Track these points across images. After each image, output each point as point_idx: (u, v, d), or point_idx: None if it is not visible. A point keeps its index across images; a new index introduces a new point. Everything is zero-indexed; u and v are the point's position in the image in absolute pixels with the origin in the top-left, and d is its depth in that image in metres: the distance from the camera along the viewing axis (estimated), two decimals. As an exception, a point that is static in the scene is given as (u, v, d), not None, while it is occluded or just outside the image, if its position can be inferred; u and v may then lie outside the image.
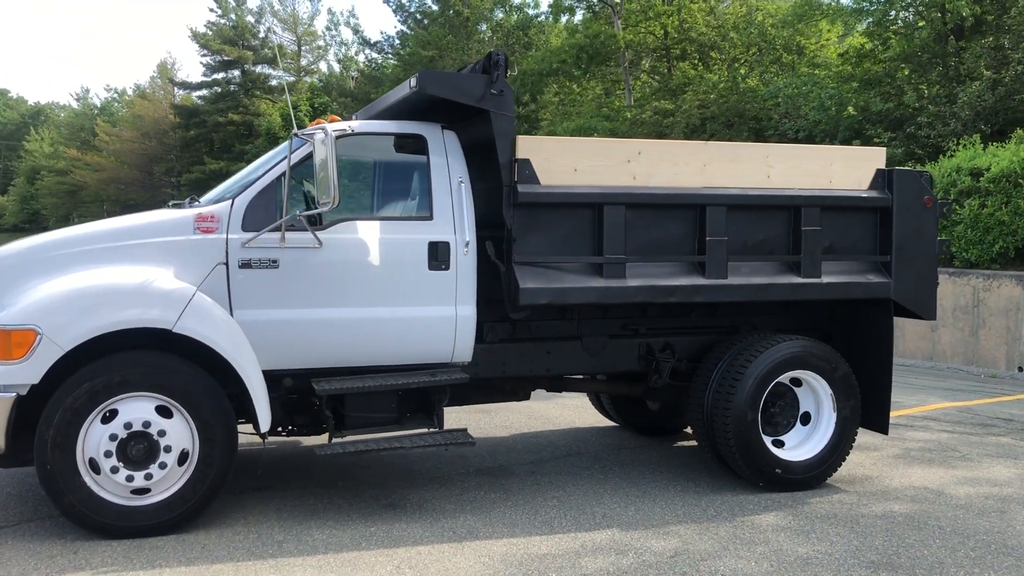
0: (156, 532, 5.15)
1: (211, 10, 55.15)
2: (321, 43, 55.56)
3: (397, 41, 35.66)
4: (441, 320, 5.74)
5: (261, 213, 5.44)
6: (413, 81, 5.70)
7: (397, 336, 5.68)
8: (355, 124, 5.86)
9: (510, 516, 5.69)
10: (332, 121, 5.90)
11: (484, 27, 31.22)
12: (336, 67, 53.51)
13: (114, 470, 5.03)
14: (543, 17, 29.54)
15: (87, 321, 4.97)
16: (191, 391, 5.17)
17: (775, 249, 6.42)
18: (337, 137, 5.70)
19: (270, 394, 5.59)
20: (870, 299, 6.65)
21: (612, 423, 8.45)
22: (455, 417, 8.43)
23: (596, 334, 6.54)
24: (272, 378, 5.54)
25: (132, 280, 5.13)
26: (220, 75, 54.68)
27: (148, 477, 5.09)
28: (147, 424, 5.08)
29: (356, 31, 53.97)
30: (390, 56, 36.83)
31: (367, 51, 39.10)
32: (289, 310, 5.46)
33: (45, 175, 70.32)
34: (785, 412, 6.54)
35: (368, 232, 5.63)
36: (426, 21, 36.30)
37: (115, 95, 77.57)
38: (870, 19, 18.88)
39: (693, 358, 6.72)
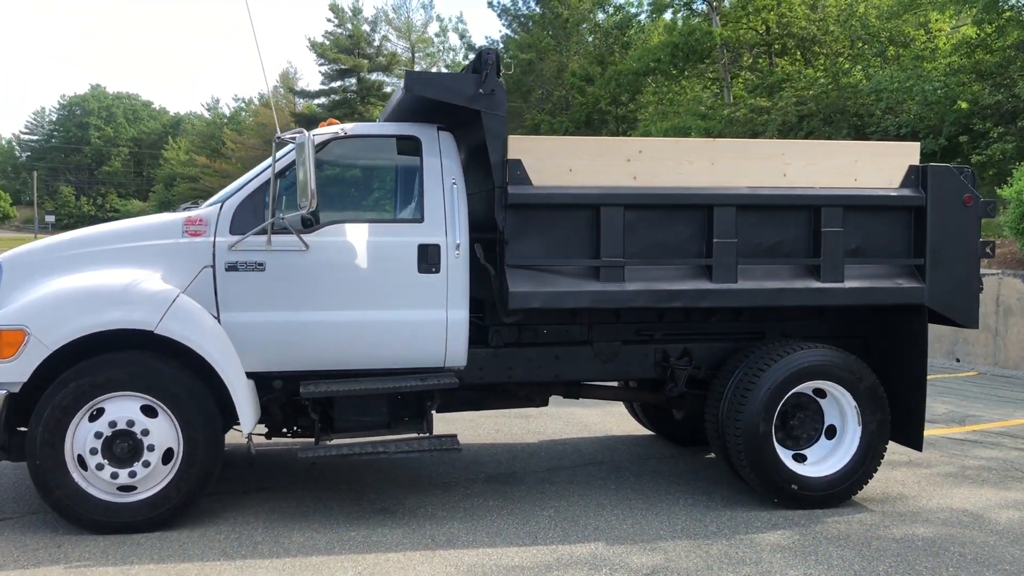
0: (142, 529, 5.25)
1: (329, 20, 56.86)
2: (433, 50, 56.37)
3: (500, 45, 35.89)
4: (431, 324, 5.65)
5: (249, 217, 5.49)
6: (403, 83, 5.65)
7: (386, 340, 5.63)
8: (348, 127, 5.85)
9: (498, 525, 5.56)
10: (331, 125, 5.93)
11: (584, 27, 31.01)
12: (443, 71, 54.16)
13: (100, 467, 5.17)
14: (643, 16, 29.16)
15: (72, 322, 5.13)
16: (175, 392, 5.26)
17: (793, 252, 6.05)
18: (329, 140, 5.74)
19: (264, 396, 5.66)
20: (902, 305, 6.20)
21: (649, 432, 8.19)
22: (490, 422, 8.37)
23: (608, 339, 6.33)
24: (262, 380, 5.60)
25: (118, 282, 5.26)
26: (337, 83, 56.30)
27: (132, 475, 5.20)
28: (131, 423, 5.19)
29: (462, 36, 54.31)
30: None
31: (472, 56, 39.37)
32: (276, 312, 5.49)
33: (180, 181, 74.12)
34: (806, 424, 6.16)
35: (356, 235, 5.60)
36: (530, 24, 36.36)
37: (243, 104, 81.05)
38: (977, 5, 17.71)
39: (713, 366, 6.41)
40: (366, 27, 56.56)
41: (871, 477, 6.17)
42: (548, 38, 31.16)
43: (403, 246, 5.63)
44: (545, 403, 6.84)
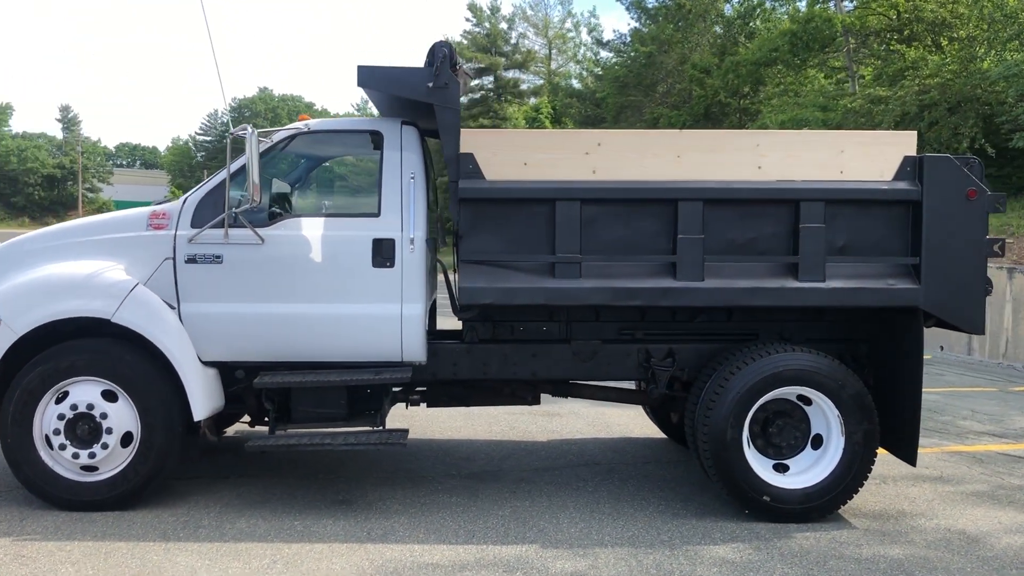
0: (102, 507, 5.52)
1: (467, 20, 57.72)
2: (571, 45, 56.28)
3: (628, 39, 35.43)
4: (385, 318, 5.66)
5: (209, 211, 5.66)
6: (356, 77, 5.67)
7: (341, 333, 5.68)
8: (313, 122, 5.92)
9: (444, 522, 5.51)
10: (302, 120, 6.03)
11: (709, 17, 30.11)
12: (576, 68, 54.08)
13: (62, 447, 5.47)
14: (769, 4, 28.03)
15: (38, 309, 5.45)
16: (133, 378, 5.50)
17: (771, 249, 5.70)
18: (294, 135, 5.85)
19: (231, 386, 5.82)
20: (894, 307, 5.73)
21: (663, 435, 7.92)
22: (509, 418, 8.32)
23: (587, 338, 6.16)
24: (226, 370, 5.77)
25: (82, 273, 5.54)
26: (475, 82, 57.07)
27: (92, 456, 5.47)
28: (91, 407, 5.47)
29: (592, 30, 53.91)
30: (621, 54, 36.63)
31: (601, 51, 39.10)
32: (233, 304, 5.64)
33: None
34: (786, 433, 5.79)
35: (312, 229, 5.67)
36: (659, 17, 35.70)
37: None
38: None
39: (699, 367, 6.13)
40: (503, 24, 57.10)
41: (856, 492, 5.74)
42: (671, 29, 30.47)
43: (358, 240, 5.66)
44: (536, 401, 6.71)
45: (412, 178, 5.73)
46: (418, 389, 6.50)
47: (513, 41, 57.34)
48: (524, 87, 55.59)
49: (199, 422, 5.56)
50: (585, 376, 6.30)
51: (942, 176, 5.59)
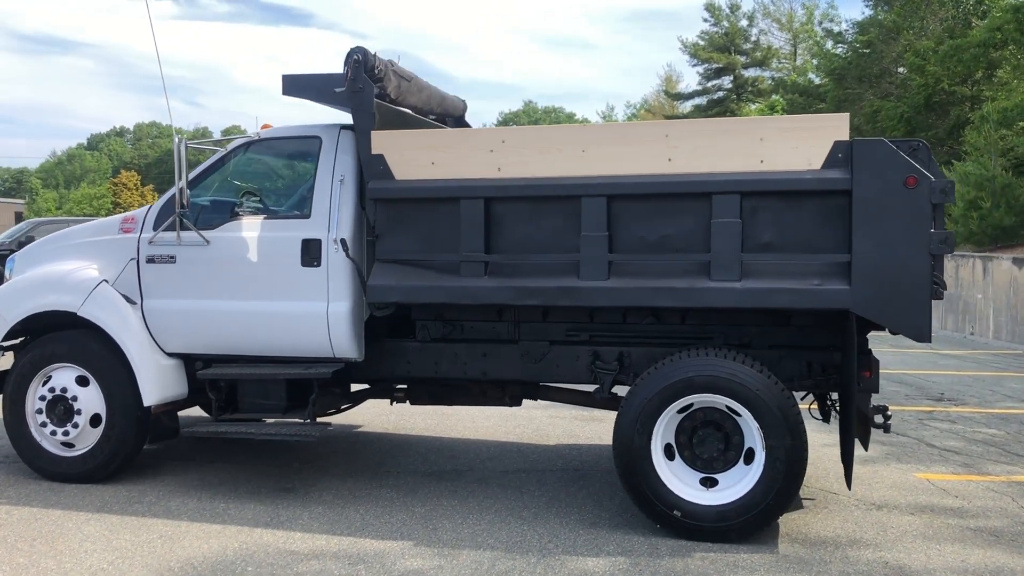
0: (77, 480, 6.23)
1: (704, 19, 56.57)
2: (812, 40, 53.39)
3: (855, 30, 32.99)
4: (313, 315, 5.91)
5: (168, 215, 6.19)
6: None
7: (276, 329, 6.00)
8: (263, 131, 6.30)
9: (350, 514, 5.67)
10: (265, 129, 6.45)
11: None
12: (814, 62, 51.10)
13: (43, 425, 6.24)
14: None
15: (24, 303, 6.27)
16: (100, 366, 6.16)
17: (687, 247, 5.32)
18: (250, 142, 6.29)
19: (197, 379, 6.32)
20: (823, 310, 5.15)
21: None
22: (525, 419, 8.29)
23: (536, 339, 6.08)
24: (188, 362, 6.29)
25: (60, 271, 6.29)
26: (712, 82, 55.82)
27: (66, 434, 6.19)
28: (64, 390, 6.19)
29: (827, 20, 50.56)
30: (843, 44, 34.19)
31: (831, 43, 36.70)
32: (185, 300, 6.14)
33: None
34: (708, 444, 5.38)
35: (251, 230, 6.05)
36: (896, 2, 32.97)
37: (633, 111, 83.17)
38: None
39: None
40: (744, 22, 55.33)
41: (780, 512, 5.22)
42: (895, 13, 28.00)
43: (288, 241, 5.96)
44: (516, 403, 6.70)
45: (341, 181, 5.94)
46: (398, 387, 6.74)
47: (753, 38, 55.46)
48: (768, 84, 53.41)
49: (149, 407, 6.10)
50: (536, 377, 6.19)
51: (875, 162, 4.96)
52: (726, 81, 55.40)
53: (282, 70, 7.12)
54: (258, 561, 4.85)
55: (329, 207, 5.92)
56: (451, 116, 7.52)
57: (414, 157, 5.66)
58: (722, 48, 54.33)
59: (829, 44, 37.11)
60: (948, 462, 7.25)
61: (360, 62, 5.69)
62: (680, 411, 5.41)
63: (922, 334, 4.97)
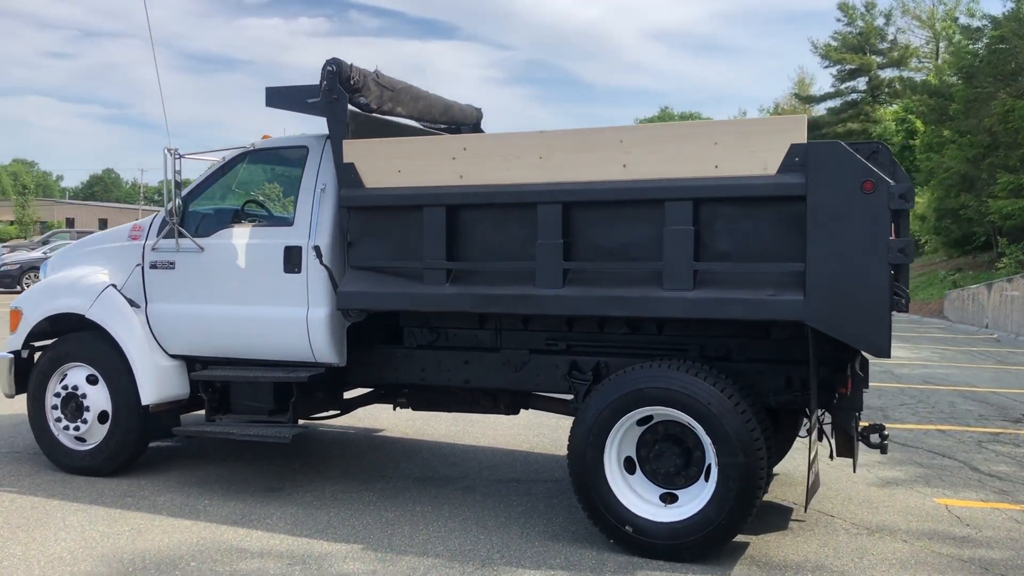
0: (87, 473, 6.61)
1: (837, 20, 54.50)
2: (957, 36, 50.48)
3: (988, 26, 30.87)
4: (294, 321, 6.07)
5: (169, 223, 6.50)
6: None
7: (262, 333, 6.20)
8: (260, 141, 6.52)
9: (319, 516, 5.77)
10: (265, 139, 6.68)
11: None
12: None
13: (58, 420, 6.65)
14: None
15: (43, 305, 6.72)
16: (108, 365, 6.51)
17: (645, 255, 5.18)
18: (247, 152, 6.53)
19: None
20: (777, 322, 4.90)
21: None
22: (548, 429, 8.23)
23: (517, 347, 6.06)
24: (190, 363, 6.58)
25: (74, 276, 6.70)
26: (845, 84, 53.65)
27: (77, 429, 6.58)
28: (76, 387, 6.58)
29: (963, 15, 47.55)
30: (975, 40, 32.05)
31: (964, 39, 34.46)
32: (183, 305, 6.42)
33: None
34: (666, 459, 5.23)
35: (240, 238, 6.27)
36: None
37: (766, 115, 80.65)
38: None
39: (623, 382, 5.72)
40: (880, 20, 52.93)
41: (734, 532, 5.00)
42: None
43: (272, 248, 6.15)
44: (512, 412, 6.69)
45: (322, 189, 6.08)
46: (384, 391, 6.88)
47: (891, 37, 52.98)
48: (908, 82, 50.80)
49: (147, 406, 6.41)
50: (517, 386, 6.15)
51: (830, 165, 4.69)
52: (861, 83, 53.21)
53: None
54: (204, 557, 5.02)
55: (310, 215, 6.07)
56: (465, 124, 7.56)
57: (382, 165, 5.74)
58: (856, 48, 52.21)
59: (962, 40, 35.03)
60: (984, 488, 6.74)
61: (334, 73, 5.82)
62: (641, 423, 5.28)
63: (880, 349, 4.66)
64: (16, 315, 6.84)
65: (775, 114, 64.28)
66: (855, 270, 4.64)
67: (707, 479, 5.12)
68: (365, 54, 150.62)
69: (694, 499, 5.12)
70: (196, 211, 6.54)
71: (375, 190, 5.75)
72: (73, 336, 6.72)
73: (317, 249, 5.94)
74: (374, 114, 6.27)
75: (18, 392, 6.94)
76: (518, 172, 5.41)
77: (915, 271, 33.89)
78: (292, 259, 6.07)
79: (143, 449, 6.70)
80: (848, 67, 52.48)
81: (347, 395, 7.00)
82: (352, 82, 5.92)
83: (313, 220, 6.05)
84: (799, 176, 4.76)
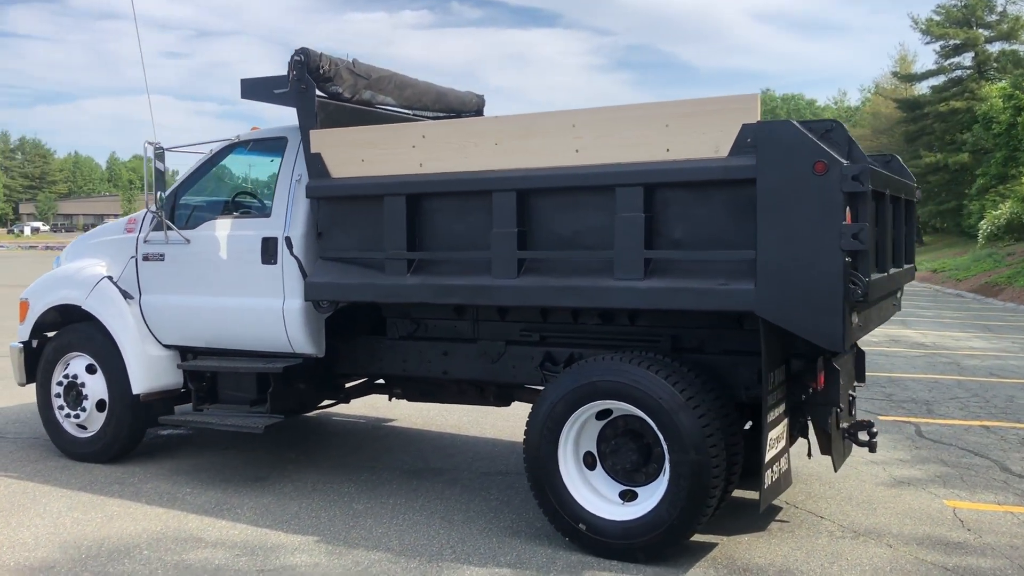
0: (88, 459, 6.80)
1: (941, -7, 51.83)
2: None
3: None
4: (270, 311, 6.09)
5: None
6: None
7: (242, 324, 6.24)
8: (244, 133, 6.56)
9: (289, 506, 5.79)
10: (253, 131, 6.72)
11: None
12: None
13: (61, 408, 6.86)
14: None
15: (47, 296, 6.94)
16: (105, 354, 6.68)
17: (599, 243, 4.98)
18: (235, 144, 6.59)
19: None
20: (731, 313, 4.64)
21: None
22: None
23: (493, 338, 5.96)
24: (183, 353, 6.70)
25: (74, 268, 6.88)
26: (950, 61, 51.07)
27: (77, 416, 6.78)
28: (76, 376, 6.78)
29: None
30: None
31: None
32: (172, 296, 6.53)
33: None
34: (623, 455, 5.04)
35: (223, 230, 6.32)
36: None
37: (867, 95, 77.47)
38: None
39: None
40: (989, -10, 50.05)
41: (688, 532, 4.78)
42: None
43: (251, 239, 6.18)
44: (503, 403, 6.60)
45: (298, 180, 6.07)
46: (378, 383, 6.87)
47: (1000, 8, 50.10)
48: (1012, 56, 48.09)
49: (138, 395, 6.54)
50: (495, 377, 6.04)
51: (780, 146, 4.40)
52: (967, 58, 50.57)
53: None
54: (159, 546, 5.08)
55: (286, 206, 6.08)
56: (465, 111, 7.46)
57: (347, 155, 5.69)
58: (960, 22, 49.60)
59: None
60: (1007, 490, 6.29)
61: (302, 63, 5.80)
62: (600, 417, 5.10)
63: (832, 341, 4.35)
64: (24, 306, 7.09)
65: (876, 94, 61.84)
66: (806, 257, 4.35)
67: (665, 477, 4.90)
68: (467, 44, 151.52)
69: (649, 497, 4.92)
70: (187, 203, 6.64)
71: (340, 180, 5.70)
72: (75, 326, 6.92)
73: (288, 240, 5.94)
74: (350, 103, 6.22)
75: (28, 381, 7.18)
76: (475, 159, 5.28)
77: (1018, 258, 32.03)
78: (269, 250, 6.09)
79: (139, 438, 6.85)
80: (952, 42, 49.91)
81: (348, 385, 7.02)
82: (322, 71, 5.88)
83: (288, 211, 6.06)
84: (750, 158, 4.49)
